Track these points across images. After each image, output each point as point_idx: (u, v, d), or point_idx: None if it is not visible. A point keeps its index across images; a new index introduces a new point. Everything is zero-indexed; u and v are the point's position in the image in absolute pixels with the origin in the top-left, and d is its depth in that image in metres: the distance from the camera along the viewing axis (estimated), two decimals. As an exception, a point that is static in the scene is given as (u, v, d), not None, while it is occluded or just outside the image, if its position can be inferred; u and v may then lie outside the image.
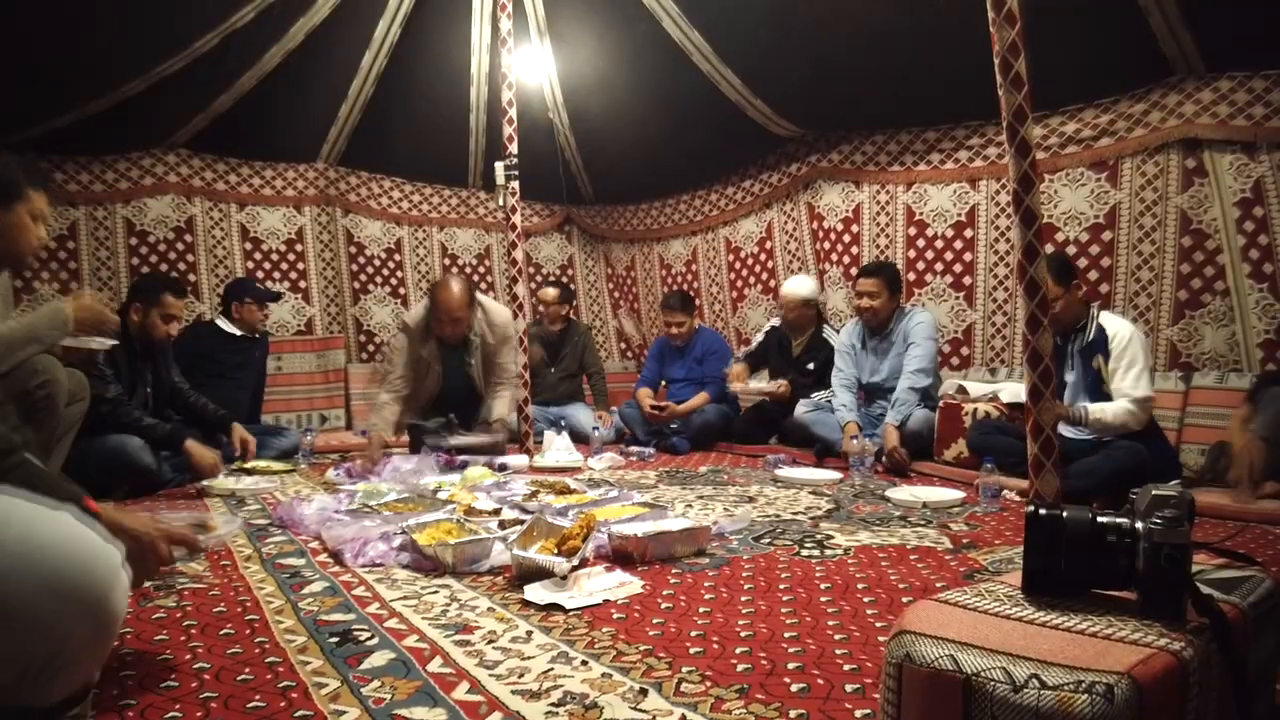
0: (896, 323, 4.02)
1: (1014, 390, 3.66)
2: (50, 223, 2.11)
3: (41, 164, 4.33)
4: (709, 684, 1.31)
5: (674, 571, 2.02)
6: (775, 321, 4.83)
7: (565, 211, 6.44)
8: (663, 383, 5.06)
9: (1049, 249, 3.15)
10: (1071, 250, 3.96)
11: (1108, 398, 3.02)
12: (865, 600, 1.78)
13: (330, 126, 5.22)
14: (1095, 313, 3.15)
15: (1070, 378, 3.15)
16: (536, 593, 1.78)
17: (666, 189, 6.02)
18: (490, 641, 1.51)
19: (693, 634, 1.55)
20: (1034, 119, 2.32)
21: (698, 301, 5.81)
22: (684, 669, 1.37)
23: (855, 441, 3.50)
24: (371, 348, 5.58)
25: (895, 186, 4.71)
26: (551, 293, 5.24)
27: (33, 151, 4.50)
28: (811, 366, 4.50)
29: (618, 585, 1.86)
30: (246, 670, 1.36)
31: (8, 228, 1.96)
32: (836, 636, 1.54)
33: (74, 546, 0.98)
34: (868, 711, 1.21)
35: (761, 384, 4.64)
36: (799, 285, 4.60)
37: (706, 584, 1.91)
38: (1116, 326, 3.07)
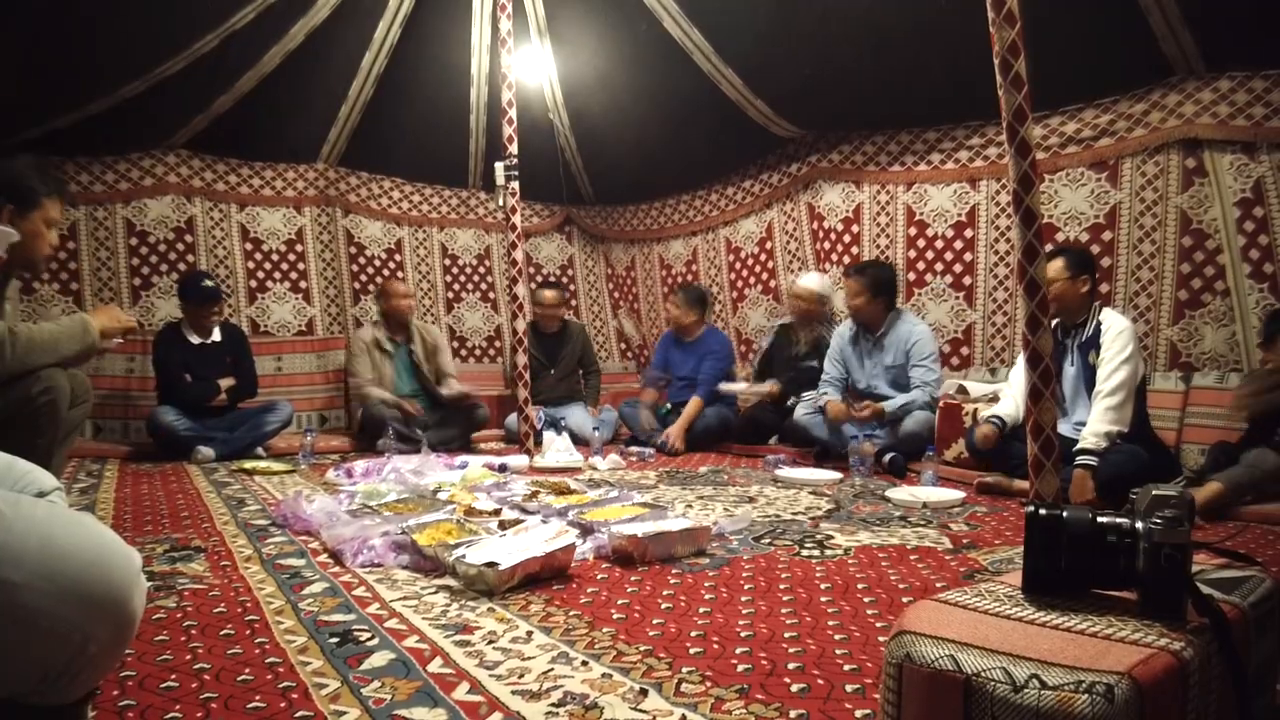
0: (890, 328, 4.02)
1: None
2: (63, 227, 2.12)
3: (53, 165, 4.29)
4: (709, 684, 1.31)
5: (674, 571, 2.02)
6: (780, 321, 4.87)
7: (565, 212, 6.43)
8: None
9: (1049, 249, 3.14)
10: (1072, 250, 3.96)
11: None
12: (865, 600, 1.78)
13: (330, 127, 5.22)
14: (1098, 310, 3.15)
15: (1070, 371, 3.17)
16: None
17: (667, 189, 6.02)
18: (490, 642, 1.51)
19: (693, 634, 1.55)
20: (1034, 119, 2.32)
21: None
22: (684, 669, 1.37)
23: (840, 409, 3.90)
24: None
25: (895, 186, 4.71)
26: (551, 295, 5.25)
27: (32, 152, 4.51)
28: (816, 363, 4.53)
29: (556, 535, 2.03)
30: (247, 671, 1.36)
31: (25, 236, 1.94)
32: (837, 637, 1.54)
33: (95, 553, 0.99)
34: (868, 712, 1.21)
35: (755, 386, 4.66)
36: (813, 280, 4.66)
37: (706, 584, 1.91)
38: (1111, 321, 3.08)
